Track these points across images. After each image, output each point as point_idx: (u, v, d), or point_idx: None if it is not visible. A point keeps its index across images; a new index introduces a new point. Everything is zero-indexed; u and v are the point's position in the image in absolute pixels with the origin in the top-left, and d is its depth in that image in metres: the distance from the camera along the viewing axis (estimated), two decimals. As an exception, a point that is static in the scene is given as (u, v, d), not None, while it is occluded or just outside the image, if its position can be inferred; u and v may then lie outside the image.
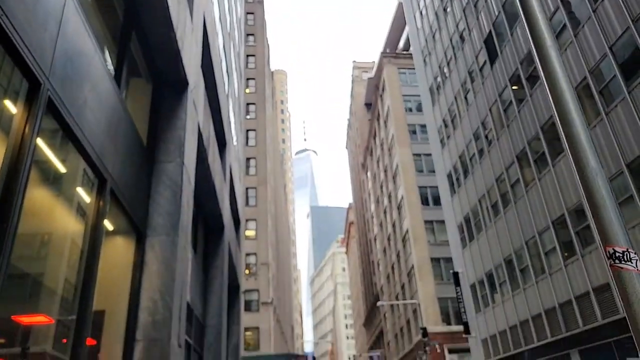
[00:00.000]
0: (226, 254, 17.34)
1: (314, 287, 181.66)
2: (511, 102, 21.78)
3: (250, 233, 42.94)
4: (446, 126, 31.07)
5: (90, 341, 7.18)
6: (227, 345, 22.94)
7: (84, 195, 6.17)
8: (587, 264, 16.06)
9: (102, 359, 7.12)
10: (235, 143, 23.62)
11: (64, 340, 5.63)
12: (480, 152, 25.45)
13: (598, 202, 2.91)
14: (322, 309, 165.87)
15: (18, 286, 4.98)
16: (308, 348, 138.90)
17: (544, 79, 3.40)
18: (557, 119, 3.22)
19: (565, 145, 3.18)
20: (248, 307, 39.74)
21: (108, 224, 7.54)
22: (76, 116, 5.16)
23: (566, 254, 17.41)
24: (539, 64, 3.50)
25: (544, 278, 18.98)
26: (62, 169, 5.76)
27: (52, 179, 5.54)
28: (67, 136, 5.10)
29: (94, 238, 5.87)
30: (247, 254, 41.40)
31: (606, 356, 15.42)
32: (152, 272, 7.89)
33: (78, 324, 5.43)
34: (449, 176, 30.46)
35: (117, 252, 7.87)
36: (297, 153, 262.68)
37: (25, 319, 5.47)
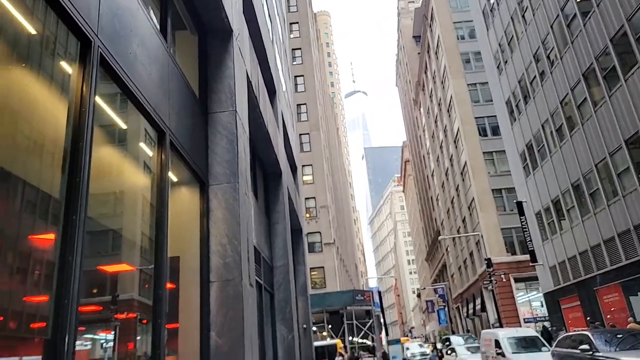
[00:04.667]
0: (286, 198, 17.78)
1: (374, 227, 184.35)
2: (575, 15, 19.88)
3: (307, 178, 43.69)
4: (502, 50, 29.12)
5: (169, 285, 7.75)
6: (296, 285, 24.10)
7: (147, 150, 6.43)
8: (665, 183, 15.02)
9: (182, 301, 7.70)
10: (284, 90, 23.55)
11: (147, 286, 6.13)
12: (542, 74, 23.78)
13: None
14: (383, 247, 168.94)
15: (101, 241, 5.41)
16: (372, 284, 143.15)
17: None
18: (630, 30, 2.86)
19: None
20: (312, 248, 41.15)
21: (172, 176, 7.89)
22: (128, 71, 5.28)
23: (642, 174, 16.33)
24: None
25: (617, 200, 18.01)
26: (123, 126, 6.00)
27: (116, 138, 5.80)
28: (122, 91, 5.25)
29: (161, 189, 6.16)
30: (307, 198, 42.36)
31: (688, 276, 14.71)
32: (218, 219, 8.26)
33: (156, 271, 5.84)
34: (508, 103, 28.91)
35: (184, 202, 8.26)
36: (346, 96, 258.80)
37: (109, 268, 5.96)
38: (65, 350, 3.43)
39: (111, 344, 5.56)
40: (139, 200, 6.30)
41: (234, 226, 8.22)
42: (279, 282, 15.90)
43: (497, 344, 15.36)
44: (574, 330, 20.22)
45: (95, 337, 5.54)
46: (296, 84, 46.19)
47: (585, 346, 10.32)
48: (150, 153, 6.32)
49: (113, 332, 5.80)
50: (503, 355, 14.76)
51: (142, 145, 6.35)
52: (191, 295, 7.74)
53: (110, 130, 5.54)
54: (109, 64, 4.75)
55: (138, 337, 5.71)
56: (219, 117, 8.97)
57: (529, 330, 16.32)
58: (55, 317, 3.53)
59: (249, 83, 11.40)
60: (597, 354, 10.12)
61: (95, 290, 5.82)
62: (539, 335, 16.03)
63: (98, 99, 4.96)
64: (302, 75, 46.52)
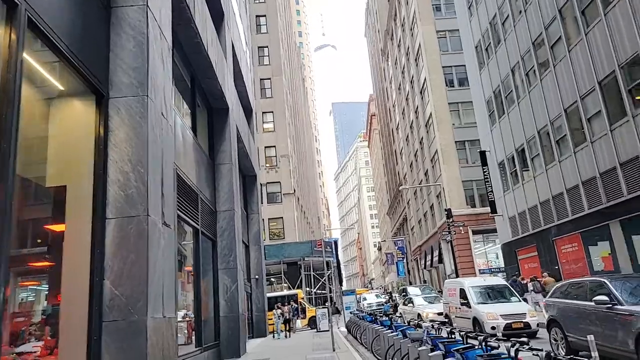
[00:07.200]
0: (234, 137, 16.02)
1: (339, 183, 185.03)
2: (555, -54, 18.24)
3: (268, 126, 41.72)
4: (475, -9, 27.36)
5: (52, 227, 6.06)
6: (249, 234, 22.73)
7: (-14, 24, 4.56)
8: (638, 125, 14.07)
9: (68, 240, 6.04)
10: (239, 20, 21.26)
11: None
12: (515, 13, 22.30)
13: None
14: (347, 202, 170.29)
15: None
16: (335, 237, 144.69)
17: None
18: None
19: None
20: (272, 198, 39.83)
21: (56, 83, 6.05)
22: None
23: (613, 117, 15.37)
24: None
25: (585, 147, 17.16)
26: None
27: None
28: None
29: (6, 81, 4.37)
30: (267, 147, 40.57)
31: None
32: (119, 140, 6.50)
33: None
34: (478, 48, 27.49)
35: (72, 116, 6.43)
36: (316, 49, 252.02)
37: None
38: None
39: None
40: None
41: (141, 150, 6.49)
42: (223, 228, 14.39)
43: (463, 293, 14.32)
44: (532, 279, 19.93)
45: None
46: (258, 24, 43.22)
47: (603, 297, 7.69)
48: (-9, 29, 4.46)
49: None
50: (468, 305, 13.70)
51: (-24, 15, 4.48)
52: (81, 234, 6.08)
53: None
54: None
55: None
56: (124, 13, 7.02)
57: (498, 280, 15.27)
58: None
59: (176, -15, 9.37)
60: (619, 308, 7.41)
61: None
62: (508, 285, 15.04)
63: None
64: (265, 16, 43.48)
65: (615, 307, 7.48)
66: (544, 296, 18.68)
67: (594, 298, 7.83)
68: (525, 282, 20.48)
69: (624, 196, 15.01)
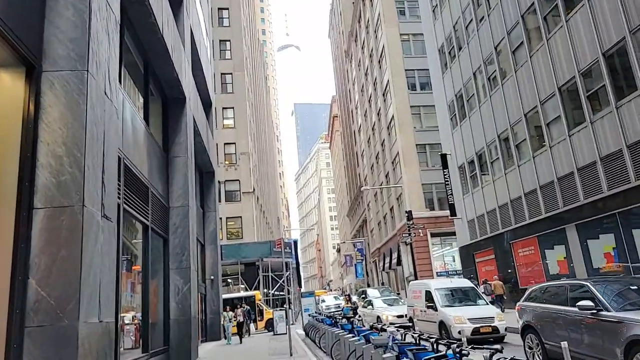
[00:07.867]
0: (190, 130, 15.17)
1: (300, 184, 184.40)
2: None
3: (228, 122, 40.65)
4: (439, -5, 27.52)
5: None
6: (204, 233, 21.80)
7: None
8: (596, 131, 14.33)
9: (-14, 232, 5.21)
10: (199, 8, 20.36)
11: None
12: (479, 17, 22.50)
13: None
14: (307, 204, 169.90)
15: None
16: (294, 237, 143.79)
17: None
18: None
19: None
20: (230, 197, 38.80)
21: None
22: None
23: (572, 123, 15.61)
24: None
25: (544, 152, 17.41)
26: None
27: None
28: None
29: None
30: (227, 144, 39.49)
31: (607, 229, 14.37)
32: (53, 119, 5.70)
33: None
34: (441, 51, 27.66)
35: (-3, 90, 5.61)
36: (279, 49, 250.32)
37: None
38: None
39: None
40: None
41: (77, 131, 5.72)
42: (176, 225, 13.51)
43: (428, 295, 13.84)
44: (487, 282, 20.06)
45: None
46: (220, 17, 42.10)
47: (587, 302, 7.02)
48: None
49: None
50: (434, 308, 13.21)
51: None
52: (2, 226, 5.28)
53: None
54: None
55: None
56: (63, -23, 6.23)
57: (465, 281, 14.86)
58: None
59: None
60: (606, 314, 6.76)
61: None
62: (475, 287, 14.73)
63: None
64: (227, 8, 42.37)
65: (601, 313, 6.89)
66: (493, 299, 18.89)
67: (578, 303, 7.22)
68: (476, 284, 20.66)
69: (580, 201, 15.24)
